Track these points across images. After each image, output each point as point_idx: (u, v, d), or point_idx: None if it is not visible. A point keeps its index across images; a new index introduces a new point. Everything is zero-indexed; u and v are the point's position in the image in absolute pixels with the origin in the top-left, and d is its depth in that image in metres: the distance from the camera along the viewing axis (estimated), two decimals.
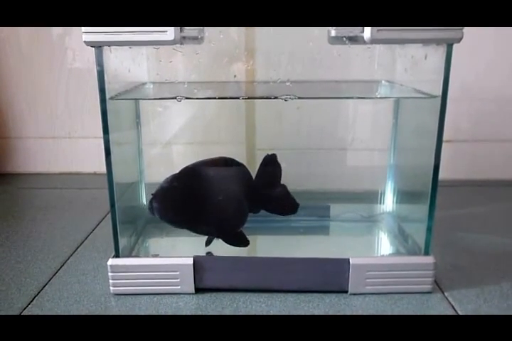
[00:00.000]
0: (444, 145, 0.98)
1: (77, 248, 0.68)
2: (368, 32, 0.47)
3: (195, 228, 0.57)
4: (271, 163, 0.61)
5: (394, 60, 0.63)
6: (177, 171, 0.56)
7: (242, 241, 0.59)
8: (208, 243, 0.60)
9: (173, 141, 0.71)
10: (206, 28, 0.54)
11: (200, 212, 0.55)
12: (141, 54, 0.62)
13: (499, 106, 0.97)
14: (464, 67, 0.93)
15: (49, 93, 1.01)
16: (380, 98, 0.66)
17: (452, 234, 0.72)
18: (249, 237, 0.66)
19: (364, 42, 0.48)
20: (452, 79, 0.94)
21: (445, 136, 0.95)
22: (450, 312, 0.52)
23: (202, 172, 0.56)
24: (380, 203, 0.69)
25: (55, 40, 0.98)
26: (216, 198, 0.56)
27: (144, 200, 0.70)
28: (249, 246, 0.59)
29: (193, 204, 0.54)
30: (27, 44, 0.99)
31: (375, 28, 0.47)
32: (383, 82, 0.66)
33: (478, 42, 0.92)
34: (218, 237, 0.59)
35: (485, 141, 0.99)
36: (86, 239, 0.71)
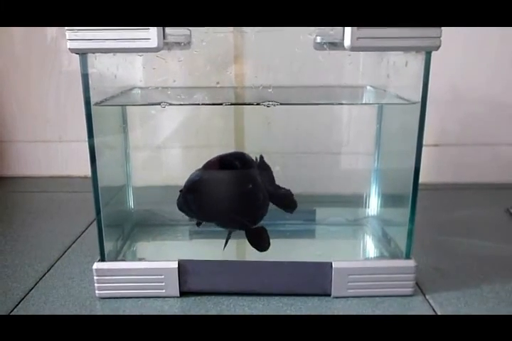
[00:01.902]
0: (431, 149, 0.99)
1: (65, 252, 0.68)
2: (347, 40, 0.48)
3: (224, 221, 0.58)
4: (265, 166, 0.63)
5: (378, 66, 0.64)
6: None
7: (263, 241, 0.59)
8: (226, 242, 0.61)
9: (161, 145, 0.72)
10: (192, 35, 0.54)
11: (229, 203, 0.56)
12: (128, 59, 0.63)
13: (486, 110, 0.98)
14: (453, 71, 0.94)
15: (40, 96, 1.02)
16: (361, 104, 0.67)
17: (436, 238, 0.73)
18: (235, 241, 0.67)
19: (345, 49, 0.49)
20: (441, 84, 0.95)
21: (432, 140, 0.98)
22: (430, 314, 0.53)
23: (225, 165, 0.58)
24: (365, 207, 0.70)
25: (46, 44, 0.98)
26: (245, 188, 0.57)
27: (132, 204, 0.70)
28: (235, 249, 0.60)
29: (223, 196, 0.56)
30: (19, 47, 0.99)
31: (355, 36, 0.48)
32: (368, 87, 0.67)
33: (467, 46, 0.93)
34: (242, 229, 0.59)
35: (471, 145, 1.00)
36: (74, 242, 0.71)
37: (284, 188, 0.63)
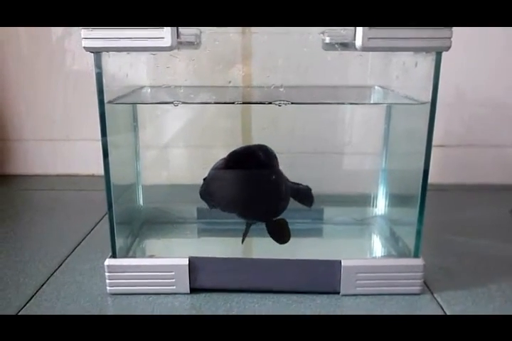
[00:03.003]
0: (436, 149, 0.99)
1: (75, 249, 0.69)
2: (359, 40, 0.48)
3: (246, 212, 0.59)
4: None
5: (387, 66, 0.64)
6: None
7: (284, 234, 0.60)
8: (244, 236, 0.61)
9: (170, 144, 0.73)
10: (203, 34, 0.55)
11: (252, 193, 0.57)
12: (139, 58, 0.64)
13: (491, 111, 0.99)
14: (458, 73, 0.95)
15: (47, 95, 1.03)
16: (371, 104, 0.67)
17: (443, 237, 0.74)
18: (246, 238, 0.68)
19: (355, 49, 0.50)
20: (447, 85, 0.96)
21: (437, 141, 0.97)
22: (439, 313, 0.53)
23: (250, 155, 0.58)
24: (373, 206, 0.71)
25: (54, 43, 0.99)
26: (268, 179, 0.57)
27: (141, 202, 0.71)
28: (243, 247, 0.61)
29: (246, 186, 0.56)
30: (26, 46, 1.00)
31: (366, 36, 0.48)
32: (376, 87, 0.68)
33: (471, 47, 0.94)
34: (264, 221, 0.60)
35: (476, 146, 1.00)
36: (83, 240, 0.72)
37: (300, 184, 0.63)
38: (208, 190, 0.56)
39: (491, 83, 0.97)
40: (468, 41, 0.93)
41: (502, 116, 0.99)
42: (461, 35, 0.87)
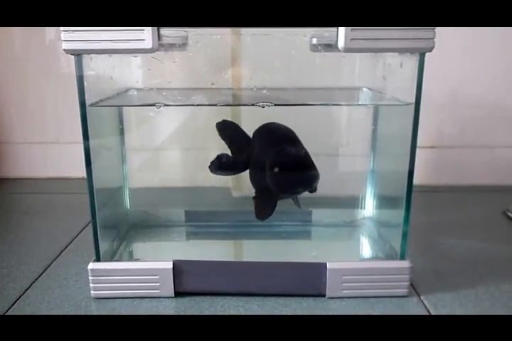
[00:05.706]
0: (428, 151, 0.99)
1: (61, 252, 0.68)
2: (341, 41, 0.48)
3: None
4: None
5: (374, 68, 0.64)
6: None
7: None
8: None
9: (157, 146, 0.72)
10: (189, 36, 0.55)
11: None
12: (124, 61, 0.63)
13: (485, 112, 0.98)
14: (452, 74, 0.95)
15: (38, 98, 1.02)
16: (354, 105, 0.67)
17: (434, 239, 0.73)
18: (232, 242, 0.68)
19: (339, 51, 0.50)
20: (440, 86, 0.95)
21: (430, 142, 0.98)
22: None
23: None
24: (361, 208, 0.70)
25: (45, 46, 0.99)
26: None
27: (128, 205, 0.70)
28: (232, 250, 0.60)
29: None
30: (17, 49, 1.00)
31: (349, 37, 0.48)
32: (364, 89, 0.67)
33: (466, 49, 0.93)
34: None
35: (469, 147, 1.00)
36: (70, 243, 0.72)
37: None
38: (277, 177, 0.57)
39: (485, 84, 0.97)
40: (462, 43, 0.92)
41: (495, 118, 0.99)
42: (456, 36, 0.87)
